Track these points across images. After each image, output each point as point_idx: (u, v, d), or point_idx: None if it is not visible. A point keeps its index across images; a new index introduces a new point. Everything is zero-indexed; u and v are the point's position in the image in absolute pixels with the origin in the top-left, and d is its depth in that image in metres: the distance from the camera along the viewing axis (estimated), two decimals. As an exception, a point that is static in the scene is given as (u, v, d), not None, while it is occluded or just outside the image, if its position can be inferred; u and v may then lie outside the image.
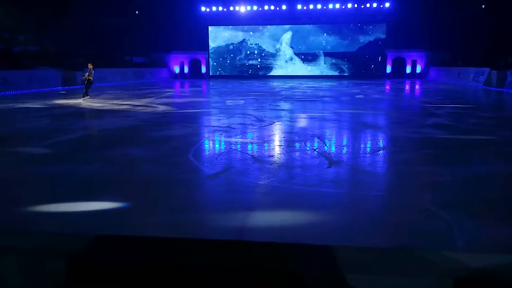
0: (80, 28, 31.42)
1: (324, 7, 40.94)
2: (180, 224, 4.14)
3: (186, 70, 42.22)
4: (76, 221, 4.20)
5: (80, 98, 18.16)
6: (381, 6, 40.19)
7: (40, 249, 1.29)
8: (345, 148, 7.97)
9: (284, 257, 1.18)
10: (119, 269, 1.09)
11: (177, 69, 42.12)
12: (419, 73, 38.70)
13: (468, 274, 1.09)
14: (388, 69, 40.05)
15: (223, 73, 43.69)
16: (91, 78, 18.45)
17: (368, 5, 40.37)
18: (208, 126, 11.10)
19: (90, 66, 18.50)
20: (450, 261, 1.21)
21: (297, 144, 8.20)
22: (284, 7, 41.19)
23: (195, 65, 42.55)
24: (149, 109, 14.28)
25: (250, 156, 7.24)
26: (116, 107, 15.08)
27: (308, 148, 7.90)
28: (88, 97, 18.16)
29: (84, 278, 1.09)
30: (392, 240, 3.82)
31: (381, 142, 8.63)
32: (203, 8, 42.38)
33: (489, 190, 5.24)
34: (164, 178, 5.85)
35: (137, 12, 39.21)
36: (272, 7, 41.44)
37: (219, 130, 9.99)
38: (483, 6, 33.34)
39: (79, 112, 14.00)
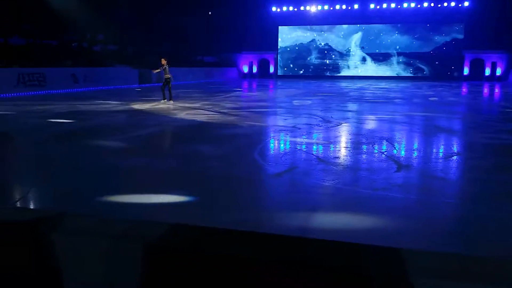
0: (156, 28, 32.83)
1: (398, 6, 39.62)
2: (243, 222, 4.21)
3: (254, 69, 42.70)
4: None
5: (161, 101, 16.06)
6: (459, 5, 38.19)
7: (119, 235, 1.39)
8: (415, 152, 7.69)
9: (345, 256, 1.17)
10: (193, 256, 1.15)
11: (246, 69, 42.72)
12: (498, 76, 36.28)
13: None
14: (466, 71, 37.97)
15: (291, 73, 43.65)
16: (169, 76, 16.10)
17: (445, 4, 38.52)
18: (274, 125, 11.16)
19: (163, 61, 16.06)
20: None
21: (364, 146, 8.02)
22: (356, 6, 40.39)
23: (263, 65, 42.92)
24: (217, 108, 14.62)
25: (315, 157, 7.20)
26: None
27: (375, 151, 7.70)
28: (172, 101, 15.91)
29: (159, 264, 1.15)
30: (460, 248, 3.64)
31: (454, 147, 8.23)
32: (273, 8, 42.62)
33: None
34: (230, 175, 5.97)
35: (210, 13, 40.26)
36: (344, 7, 40.77)
37: (284, 130, 10.02)
38: None
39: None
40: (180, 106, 14.88)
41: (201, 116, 12.40)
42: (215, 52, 40.86)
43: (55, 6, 24.91)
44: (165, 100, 16.05)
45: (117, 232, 1.40)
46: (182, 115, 12.53)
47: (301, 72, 43.53)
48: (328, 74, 42.99)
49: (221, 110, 13.86)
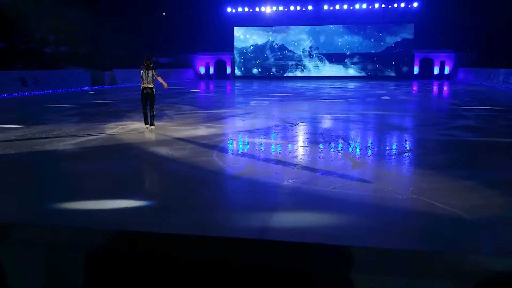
0: (109, 29, 32.04)
1: (351, 7, 40.54)
2: (201, 223, 4.17)
3: (211, 70, 42.49)
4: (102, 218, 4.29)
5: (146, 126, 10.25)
6: (409, 6, 39.54)
7: (62, 242, 1.33)
8: (369, 150, 7.88)
9: (295, 256, 1.18)
10: (138, 263, 1.11)
11: (202, 70, 42.44)
12: (447, 74, 37.87)
13: (489, 278, 1.07)
14: (416, 70, 39.37)
15: (248, 74, 43.77)
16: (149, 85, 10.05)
17: (395, 5, 39.78)
18: (232, 126, 11.15)
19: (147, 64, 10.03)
20: (469, 264, 1.19)
21: (321, 145, 8.15)
22: (310, 7, 40.99)
23: (220, 66, 42.77)
24: (174, 109, 14.43)
25: (274, 157, 7.24)
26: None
27: (332, 149, 7.84)
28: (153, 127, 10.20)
29: (102, 272, 1.11)
30: (414, 243, 3.76)
31: (407, 144, 8.50)
32: (229, 9, 42.60)
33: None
34: (187, 177, 5.91)
35: (164, 13, 39.70)
36: (298, 8, 41.28)
37: (243, 131, 10.03)
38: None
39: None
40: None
41: (158, 118, 12.20)
42: (171, 53, 40.34)
43: (3, 6, 23.81)
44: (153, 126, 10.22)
45: (59, 240, 1.34)
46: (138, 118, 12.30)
47: (258, 73, 43.73)
48: (284, 74, 43.41)
49: (178, 112, 13.70)
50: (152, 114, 10.09)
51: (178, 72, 39.29)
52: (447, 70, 38.07)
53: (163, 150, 7.69)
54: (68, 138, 8.94)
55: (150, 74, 9.99)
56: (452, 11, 34.88)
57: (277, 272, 1.08)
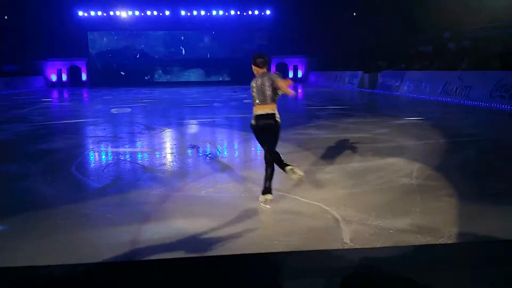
0: None
1: (208, 14, 41.19)
2: (65, 247, 3.81)
3: (64, 78, 39.33)
4: None
5: None
6: (262, 13, 41.63)
7: None
8: (236, 153, 8.06)
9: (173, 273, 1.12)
10: None
11: (54, 77, 39.07)
12: (300, 78, 40.81)
13: (353, 270, 1.13)
14: (272, 74, 41.52)
15: (107, 81, 41.48)
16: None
17: (250, 12, 41.53)
18: (92, 136, 10.42)
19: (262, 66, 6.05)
20: (333, 259, 1.25)
21: (189, 151, 8.09)
22: (167, 12, 40.57)
23: (74, 73, 39.84)
24: (24, 121, 13.03)
25: (141, 166, 6.97)
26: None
27: (200, 154, 7.85)
28: None
29: None
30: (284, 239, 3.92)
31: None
32: (80, 13, 40.00)
33: (370, 178, 5.65)
34: (44, 195, 5.35)
35: (6, 17, 35.75)
36: (155, 13, 40.52)
37: (105, 140, 9.48)
38: (354, 14, 36.35)
39: None
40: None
41: (6, 132, 10.90)
42: (17, 60, 36.40)
43: None
44: None
45: None
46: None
47: (117, 79, 41.76)
48: (144, 80, 42.20)
49: (29, 125, 12.39)
50: None
51: (25, 80, 35.62)
52: (300, 73, 41.01)
53: (12, 168, 6.87)
54: None
55: None
56: (301, 18, 37.66)
57: None
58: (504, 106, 14.46)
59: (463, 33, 23.34)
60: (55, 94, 29.57)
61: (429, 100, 18.55)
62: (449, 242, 3.75)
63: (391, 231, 3.99)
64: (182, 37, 42.59)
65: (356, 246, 3.65)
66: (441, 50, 23.77)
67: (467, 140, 8.97)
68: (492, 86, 15.53)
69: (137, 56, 42.24)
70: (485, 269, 3.11)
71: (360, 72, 28.79)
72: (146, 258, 3.55)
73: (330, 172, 6.27)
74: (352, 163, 6.87)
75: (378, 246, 3.66)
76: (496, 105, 14.86)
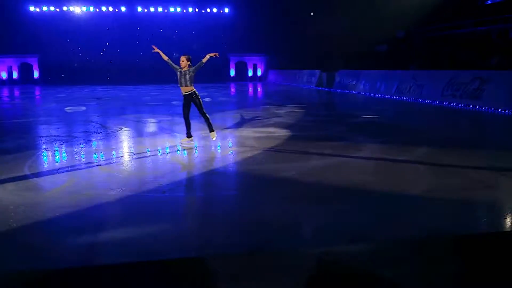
0: None
1: (165, 10, 40.54)
2: (18, 251, 3.66)
3: (15, 75, 37.70)
4: None
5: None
6: (221, 11, 41.46)
7: None
8: (196, 151, 8.00)
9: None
10: None
11: (4, 75, 37.36)
12: (260, 76, 40.97)
13: (323, 269, 1.15)
14: (232, 72, 41.52)
15: (60, 78, 39.94)
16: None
17: (208, 10, 41.24)
18: (46, 136, 10.03)
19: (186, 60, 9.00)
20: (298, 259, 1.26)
21: (147, 150, 7.95)
22: (123, 9, 39.61)
23: (26, 70, 38.23)
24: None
25: (97, 166, 6.79)
26: None
27: (160, 153, 7.74)
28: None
29: None
30: (247, 237, 3.93)
31: (230, 143, 8.86)
32: (32, 8, 38.39)
33: (326, 176, 5.76)
34: (-6, 198, 5.11)
35: None
36: (111, 9, 39.46)
37: (58, 140, 9.16)
38: (312, 13, 36.84)
39: None
40: None
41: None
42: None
43: None
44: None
45: None
46: None
47: (71, 77, 40.25)
48: (99, 77, 40.94)
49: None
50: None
51: (-29, 78, 33.91)
52: (259, 72, 41.16)
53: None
54: None
55: None
56: (261, 16, 37.77)
57: None
58: (455, 104, 15.06)
59: (416, 33, 24.18)
60: (5, 92, 28.31)
61: (384, 99, 19.06)
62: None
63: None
64: (138, 34, 41.59)
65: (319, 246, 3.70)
66: (394, 50, 24.51)
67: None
68: (443, 85, 16.14)
69: (101, 53, 40.87)
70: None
71: (318, 71, 29.21)
72: (103, 262, 3.46)
73: (291, 169, 6.33)
74: (313, 162, 6.97)
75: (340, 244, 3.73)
76: (448, 103, 15.45)
